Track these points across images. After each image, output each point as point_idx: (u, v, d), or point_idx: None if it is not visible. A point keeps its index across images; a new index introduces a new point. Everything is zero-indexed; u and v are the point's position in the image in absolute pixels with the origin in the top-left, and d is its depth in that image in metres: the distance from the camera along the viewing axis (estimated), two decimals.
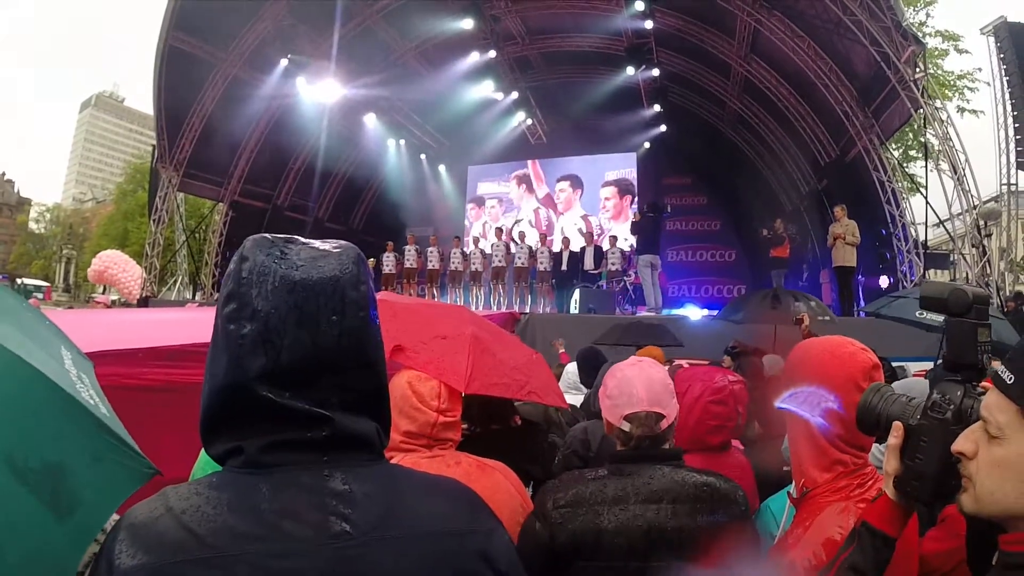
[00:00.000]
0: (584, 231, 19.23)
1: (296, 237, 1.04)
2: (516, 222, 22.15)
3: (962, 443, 0.98)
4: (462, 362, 2.32)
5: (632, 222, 15.00)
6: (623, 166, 21.37)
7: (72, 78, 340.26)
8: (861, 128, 13.90)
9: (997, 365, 0.95)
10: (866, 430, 1.22)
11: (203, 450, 2.19)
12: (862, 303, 12.58)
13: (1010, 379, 0.92)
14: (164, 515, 0.89)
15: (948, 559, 1.19)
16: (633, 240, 16.35)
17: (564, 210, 22.31)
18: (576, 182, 22.22)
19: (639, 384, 1.89)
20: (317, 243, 1.04)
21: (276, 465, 0.93)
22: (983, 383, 1.07)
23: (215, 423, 0.97)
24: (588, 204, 22.00)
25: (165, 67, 16.75)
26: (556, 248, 16.79)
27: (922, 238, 13.68)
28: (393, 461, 1.09)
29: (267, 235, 1.02)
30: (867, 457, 1.62)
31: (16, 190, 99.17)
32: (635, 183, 21.17)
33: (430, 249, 17.10)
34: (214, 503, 0.90)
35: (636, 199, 20.97)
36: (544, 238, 17.08)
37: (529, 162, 22.60)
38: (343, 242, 1.06)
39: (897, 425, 1.12)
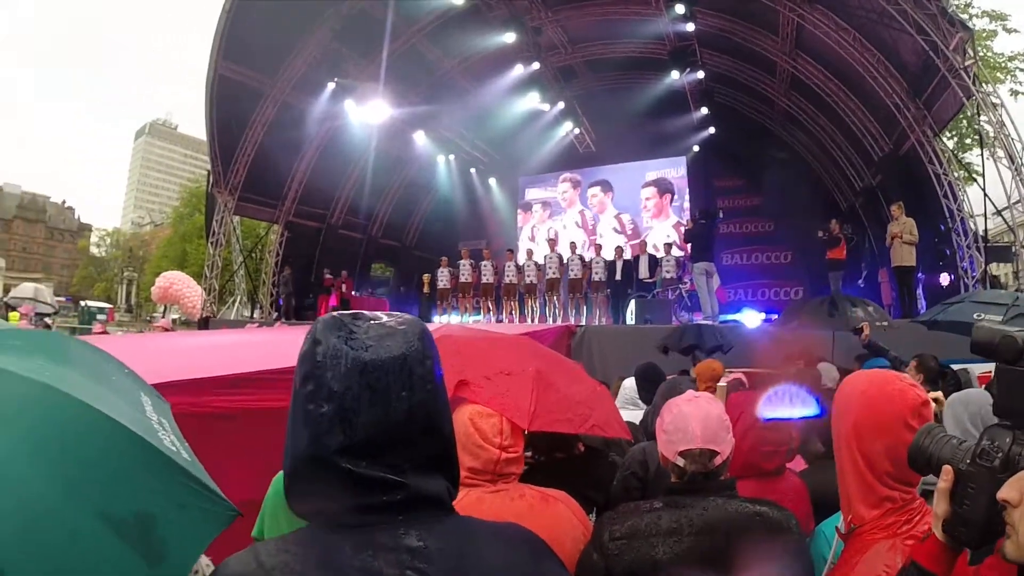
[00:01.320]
0: (617, 230, 19.73)
1: (363, 313, 1.12)
2: (562, 228, 22.24)
3: (1007, 491, 0.98)
4: (526, 399, 2.33)
5: (685, 229, 14.86)
6: (673, 171, 21.22)
7: (72, 78, 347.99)
8: (913, 120, 13.54)
9: None
10: (918, 471, 1.23)
11: (273, 481, 2.30)
12: (923, 303, 12.25)
13: None
14: (256, 570, 0.97)
15: None
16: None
17: (599, 212, 22.36)
18: (606, 186, 22.23)
19: (695, 421, 1.90)
20: (384, 318, 1.11)
21: (356, 526, 1.01)
22: None
23: (299, 486, 1.06)
24: (629, 206, 21.99)
25: (216, 96, 17.20)
26: (609, 257, 16.71)
27: (981, 230, 13.23)
28: (459, 496, 1.16)
29: (336, 315, 1.10)
30: (915, 492, 1.60)
31: (76, 216, 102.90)
32: (685, 185, 21.06)
33: (484, 263, 17.12)
34: (301, 560, 0.98)
35: (675, 196, 21.03)
36: (599, 248, 16.99)
37: (576, 171, 22.61)
38: (407, 317, 1.14)
39: (947, 469, 1.12)
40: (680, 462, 1.88)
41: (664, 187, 21.40)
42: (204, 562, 1.25)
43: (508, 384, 2.41)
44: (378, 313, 1.13)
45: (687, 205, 20.80)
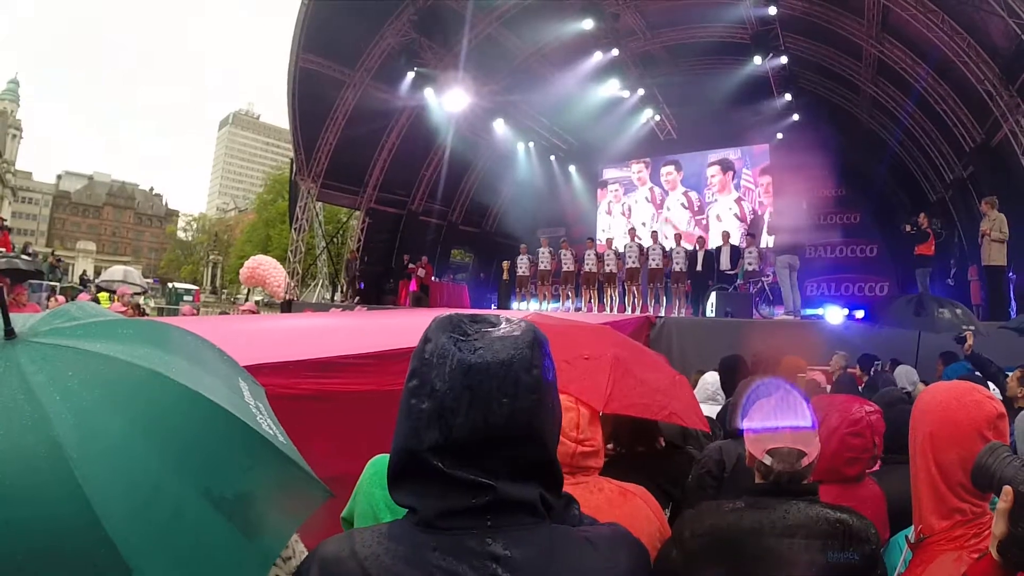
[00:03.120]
0: (684, 205, 20.13)
1: (482, 316, 1.14)
2: (634, 203, 22.41)
3: None
4: (602, 382, 2.37)
5: (769, 223, 14.52)
6: (758, 160, 20.92)
7: (73, 78, 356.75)
8: (1007, 108, 12.90)
9: None
10: (981, 488, 1.24)
11: (368, 464, 2.40)
12: (1014, 304, 11.70)
13: None
14: (349, 557, 1.04)
15: None
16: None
17: (670, 190, 22.30)
18: (678, 165, 22.16)
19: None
20: (502, 324, 1.13)
21: (446, 528, 1.04)
22: None
23: (397, 476, 1.10)
24: (696, 185, 22.01)
25: (297, 87, 17.66)
26: (690, 247, 16.53)
27: None
28: None
29: (453, 316, 1.13)
30: (986, 506, 1.60)
31: (164, 203, 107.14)
32: (742, 165, 20.93)
33: (563, 251, 17.13)
34: (392, 554, 1.03)
35: (735, 174, 20.93)
36: (679, 238, 16.81)
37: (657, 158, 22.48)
38: (524, 323, 1.14)
39: (1007, 490, 1.11)
40: (767, 460, 1.87)
41: (727, 166, 21.34)
42: (293, 539, 1.33)
43: (586, 367, 2.46)
44: (500, 316, 1.16)
45: (744, 183, 20.78)
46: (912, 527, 1.72)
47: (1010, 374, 4.85)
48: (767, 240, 16.65)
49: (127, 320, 1.33)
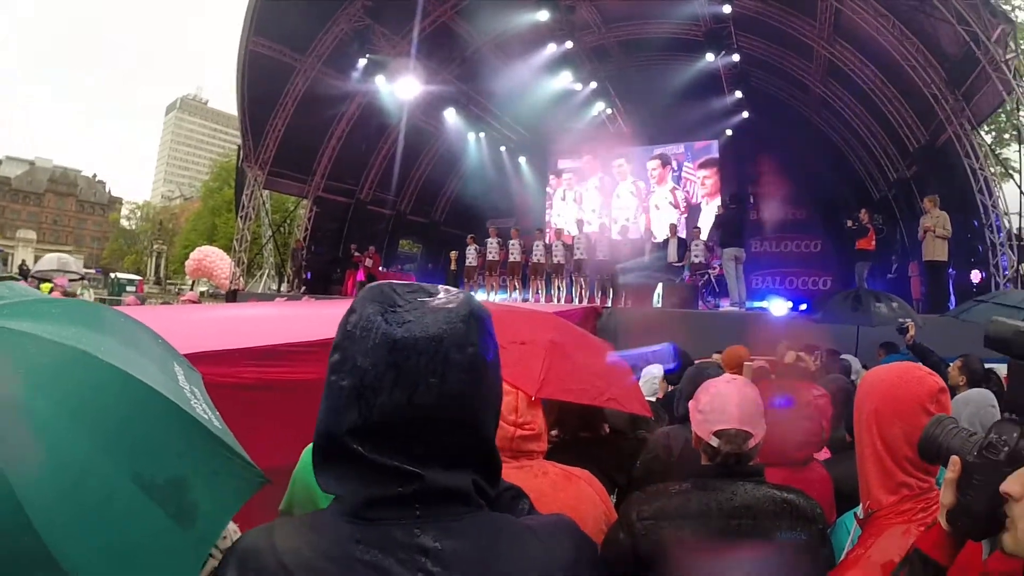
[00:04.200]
0: (633, 193, 20.66)
1: (419, 286, 1.04)
2: (585, 191, 22.74)
3: (1010, 484, 0.99)
4: (536, 367, 2.33)
5: (716, 215, 14.71)
6: (699, 154, 21.18)
7: (72, 78, 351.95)
8: (951, 112, 13.27)
9: None
10: (928, 460, 1.23)
11: (303, 453, 2.32)
12: (953, 299, 12.08)
13: None
14: (268, 551, 0.95)
15: None
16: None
17: (620, 180, 22.52)
18: (628, 158, 22.37)
19: (733, 401, 1.93)
20: (437, 293, 1.03)
21: (372, 519, 0.95)
22: None
23: (320, 461, 1.01)
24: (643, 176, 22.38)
25: (247, 71, 17.30)
26: (637, 239, 16.71)
27: (1016, 228, 12.99)
28: None
29: (385, 285, 1.03)
30: (932, 481, 1.63)
31: (108, 190, 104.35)
32: (683, 159, 21.26)
33: (512, 241, 17.11)
34: (313, 547, 0.94)
35: (673, 168, 21.34)
36: (626, 231, 16.95)
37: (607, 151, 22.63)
38: (461, 295, 1.04)
39: (955, 460, 1.12)
40: (714, 442, 1.90)
41: (666, 159, 21.63)
42: (232, 528, 1.26)
43: (521, 352, 2.42)
44: (438, 288, 1.05)
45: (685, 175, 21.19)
46: (859, 507, 1.73)
47: (951, 364, 4.98)
48: (705, 231, 16.88)
49: (57, 300, 1.32)
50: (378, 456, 0.94)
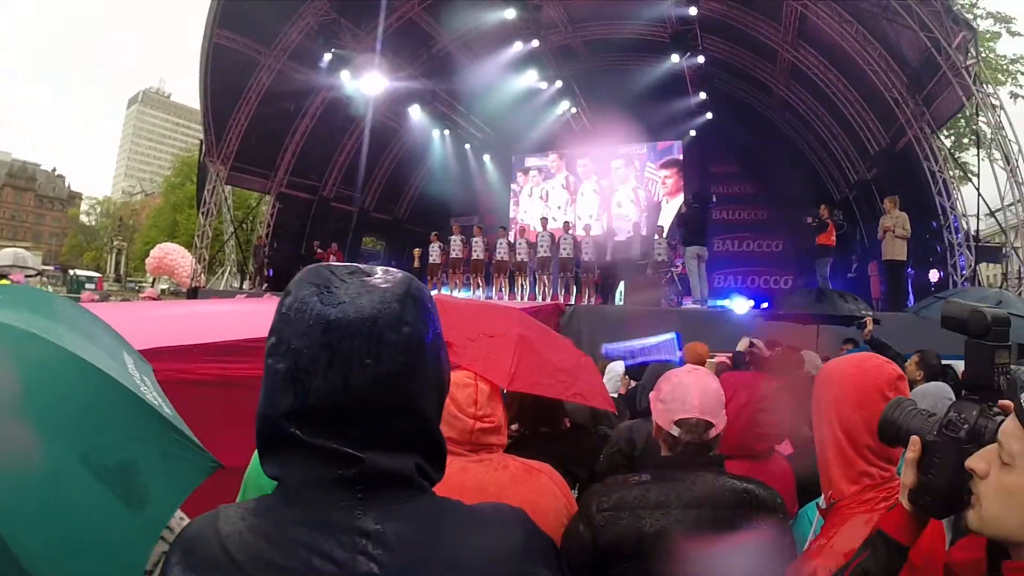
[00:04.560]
0: (596, 191, 21.04)
1: (356, 267, 1.02)
2: (551, 189, 22.76)
3: (976, 461, 1.00)
4: (507, 360, 2.33)
5: (678, 213, 14.82)
6: (661, 154, 21.33)
7: (72, 78, 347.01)
8: (912, 116, 13.56)
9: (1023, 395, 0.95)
10: (887, 442, 1.24)
11: (255, 454, 2.27)
12: (911, 298, 12.31)
13: None
14: (211, 536, 0.92)
15: (974, 569, 1.20)
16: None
17: (584, 179, 22.66)
18: (592, 157, 22.47)
19: (694, 391, 1.93)
20: (375, 273, 1.00)
21: (312, 501, 0.93)
22: (1000, 403, 1.08)
23: (261, 445, 0.98)
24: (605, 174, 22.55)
25: (210, 63, 17.07)
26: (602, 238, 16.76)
27: (974, 230, 13.30)
28: None
29: (321, 266, 1.01)
30: (894, 470, 1.64)
31: (67, 185, 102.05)
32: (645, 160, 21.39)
33: (475, 239, 17.06)
34: (254, 531, 0.92)
35: (641, 168, 21.46)
36: (589, 229, 17.03)
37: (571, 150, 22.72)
38: (399, 275, 1.02)
39: (915, 440, 1.13)
40: (675, 431, 1.90)
41: (629, 159, 21.87)
42: (178, 516, 1.23)
43: (490, 346, 2.41)
44: (374, 268, 1.02)
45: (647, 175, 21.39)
46: (821, 497, 1.74)
47: (909, 358, 5.06)
48: (666, 229, 17.03)
49: (7, 286, 1.39)
50: (317, 439, 0.92)
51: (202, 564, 0.90)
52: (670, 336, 5.94)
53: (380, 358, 0.93)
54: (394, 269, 1.04)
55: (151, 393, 1.11)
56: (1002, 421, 1.03)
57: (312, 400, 0.92)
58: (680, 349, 5.76)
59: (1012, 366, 1.15)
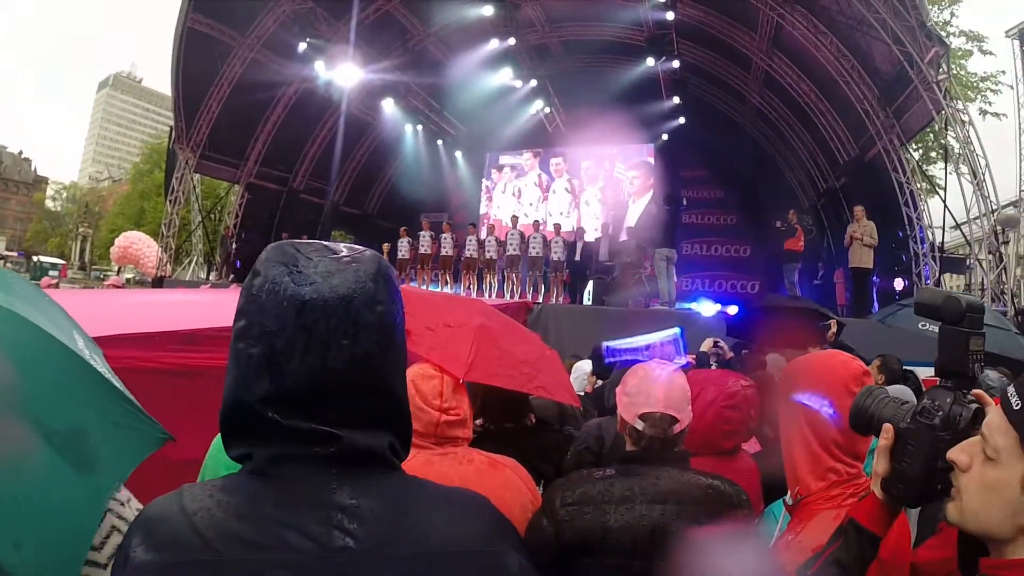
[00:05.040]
0: (568, 190, 21.28)
1: (319, 244, 1.00)
2: (524, 186, 22.79)
3: (958, 454, 0.99)
4: (464, 349, 2.30)
5: (648, 214, 14.87)
6: (641, 157, 21.41)
7: (72, 78, 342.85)
8: (882, 128, 13.76)
9: (1010, 388, 0.94)
10: (859, 431, 1.24)
11: (215, 439, 2.23)
12: (876, 305, 12.50)
13: (1017, 404, 0.91)
14: (177, 514, 0.89)
15: (941, 568, 1.21)
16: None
17: (556, 177, 22.74)
18: (565, 157, 22.70)
19: (659, 385, 1.93)
20: (341, 251, 0.99)
21: (284, 476, 0.92)
22: (974, 392, 1.09)
23: (229, 432, 0.97)
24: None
25: (183, 49, 16.88)
26: (570, 238, 16.82)
27: (939, 241, 13.55)
28: (407, 459, 1.05)
29: (287, 244, 0.99)
30: (860, 467, 1.65)
31: (33, 168, 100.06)
32: (651, 173, 21.29)
33: (444, 235, 16.99)
34: (224, 508, 0.90)
35: (609, 168, 21.63)
36: (558, 228, 17.05)
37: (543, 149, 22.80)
38: (367, 252, 1.01)
39: (887, 427, 1.13)
40: (639, 425, 1.90)
41: (600, 160, 22.01)
42: (125, 496, 1.20)
43: (449, 334, 2.39)
44: (340, 245, 1.00)
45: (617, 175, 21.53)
46: (788, 494, 1.76)
47: (870, 364, 5.13)
48: (626, 230, 17.14)
49: None
50: (293, 421, 0.91)
51: (167, 543, 0.87)
52: (674, 332, 5.86)
53: (357, 338, 0.93)
54: (359, 246, 1.02)
55: (101, 367, 1.11)
56: (977, 409, 1.05)
57: (290, 383, 0.91)
58: (685, 349, 5.73)
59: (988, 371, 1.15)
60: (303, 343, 0.91)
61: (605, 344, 5.21)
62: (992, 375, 3.80)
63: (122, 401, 1.07)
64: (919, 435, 1.08)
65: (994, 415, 0.95)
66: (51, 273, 38.70)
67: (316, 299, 0.91)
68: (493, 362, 2.40)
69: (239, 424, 0.95)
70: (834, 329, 5.97)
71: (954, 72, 14.09)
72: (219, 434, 1.94)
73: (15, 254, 51.09)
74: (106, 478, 1.00)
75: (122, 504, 1.15)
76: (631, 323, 8.94)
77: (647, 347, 5.62)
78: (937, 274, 13.14)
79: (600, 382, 5.30)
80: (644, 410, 1.90)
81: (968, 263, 13.97)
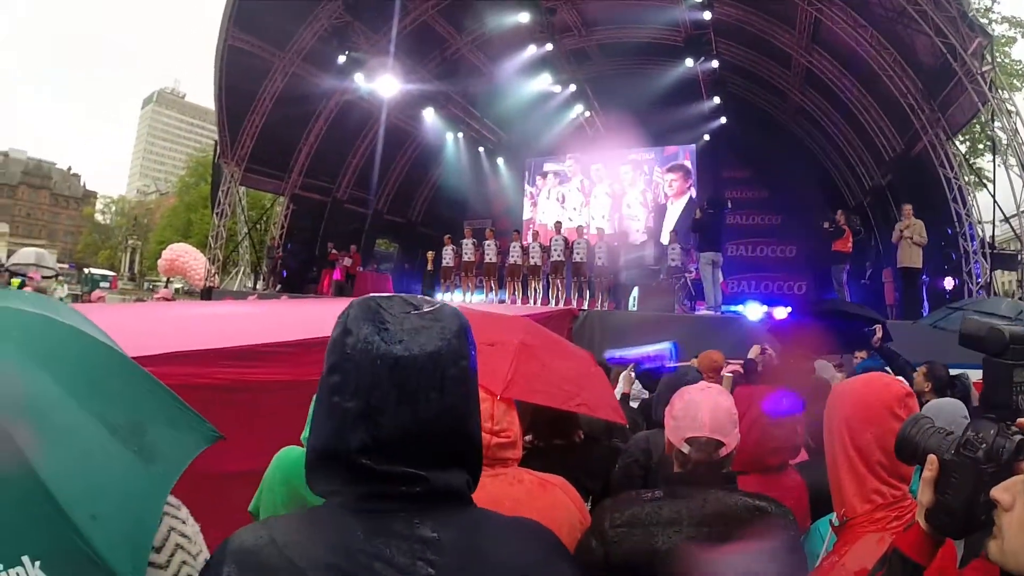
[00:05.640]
0: (609, 194, 21.25)
1: (399, 299, 1.08)
2: (567, 192, 22.70)
3: (1001, 493, 0.98)
4: (504, 367, 2.34)
5: (693, 219, 14.73)
6: (668, 159, 21.30)
7: (73, 78, 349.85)
8: (927, 122, 13.46)
9: None
10: (904, 460, 1.24)
11: (275, 457, 2.30)
12: (926, 305, 12.24)
13: None
14: (269, 545, 0.97)
15: None
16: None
17: (598, 182, 22.57)
18: (606, 162, 22.45)
19: (705, 410, 1.93)
20: (423, 308, 1.07)
21: (372, 511, 0.99)
22: (1019, 422, 1.08)
23: (319, 472, 1.05)
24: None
25: (225, 66, 17.18)
26: (615, 243, 16.72)
27: (988, 237, 13.20)
28: None
29: (371, 301, 1.07)
30: (906, 489, 1.65)
31: (82, 183, 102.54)
32: (694, 174, 21.09)
33: (487, 242, 17.03)
34: (314, 540, 0.98)
35: (649, 172, 21.41)
36: (602, 233, 16.97)
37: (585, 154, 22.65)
38: (447, 308, 1.10)
39: (932, 458, 1.13)
40: (685, 449, 1.90)
41: (638, 164, 21.88)
42: (176, 501, 1.27)
43: (490, 353, 2.41)
44: (418, 298, 1.10)
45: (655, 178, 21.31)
46: (834, 514, 1.76)
47: (917, 369, 5.03)
48: (668, 233, 16.97)
49: (20, 292, 1.52)
50: (386, 466, 0.99)
51: (263, 572, 0.96)
52: (667, 345, 5.99)
53: (444, 391, 1.02)
54: (436, 300, 1.12)
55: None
56: (1020, 440, 1.04)
57: (384, 434, 0.99)
58: (676, 358, 5.78)
59: None
60: (395, 398, 0.99)
61: (607, 352, 5.30)
62: None
63: (173, 400, 1.16)
64: (963, 468, 1.08)
65: None
66: (102, 285, 39.63)
67: (406, 356, 1.00)
68: (533, 379, 2.43)
69: (331, 469, 1.03)
70: (879, 334, 5.87)
71: (998, 61, 13.73)
72: (276, 458, 2.02)
73: (67, 266, 52.32)
74: (165, 468, 1.08)
75: (183, 522, 1.21)
76: (674, 329, 8.88)
77: (643, 356, 5.71)
78: (988, 272, 12.80)
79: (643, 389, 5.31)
80: (690, 434, 1.90)
81: (1020, 258, 13.59)
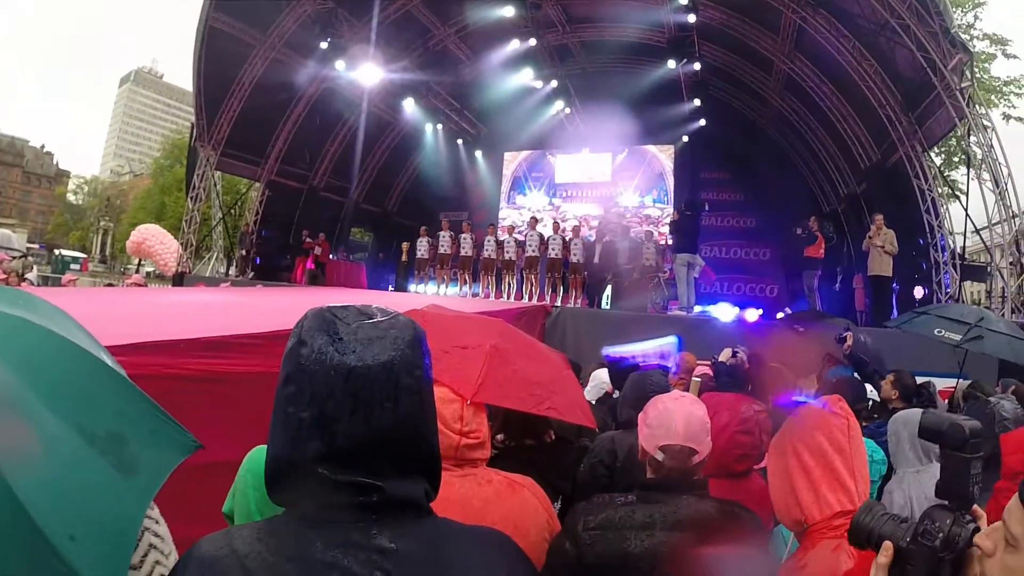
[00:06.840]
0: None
1: (354, 309, 1.09)
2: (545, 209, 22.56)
3: (983, 539, 1.01)
4: (475, 371, 2.34)
5: (671, 221, 14.80)
6: (661, 159, 21.38)
7: (72, 78, 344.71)
8: (904, 134, 13.63)
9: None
10: (858, 545, 1.25)
11: (245, 458, 2.28)
12: (895, 312, 12.42)
13: None
14: (229, 555, 0.99)
15: None
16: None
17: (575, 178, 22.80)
18: (585, 157, 22.69)
19: (679, 418, 1.98)
20: (377, 316, 1.08)
21: (330, 522, 1.00)
22: (973, 510, 1.11)
23: (276, 482, 1.06)
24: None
25: (205, 48, 16.97)
26: (591, 239, 16.78)
27: (959, 248, 13.42)
28: None
29: (326, 312, 1.08)
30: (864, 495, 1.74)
31: (55, 162, 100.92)
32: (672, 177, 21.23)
33: (463, 235, 16.99)
34: (273, 551, 0.99)
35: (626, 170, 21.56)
36: (577, 230, 17.00)
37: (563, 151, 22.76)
38: (402, 319, 1.11)
39: (887, 545, 1.15)
40: (660, 456, 1.96)
41: (615, 160, 22.09)
42: (156, 514, 1.25)
43: (462, 356, 2.43)
44: (372, 308, 1.11)
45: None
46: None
47: (885, 378, 5.12)
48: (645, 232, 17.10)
49: None
50: (341, 475, 1.01)
51: None
52: (672, 340, 5.92)
53: (398, 401, 1.03)
54: (389, 309, 1.13)
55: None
56: (974, 528, 1.07)
57: (339, 443, 1.00)
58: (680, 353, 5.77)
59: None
60: (350, 407, 1.00)
61: (604, 349, 5.27)
62: (1007, 407, 3.73)
63: (154, 409, 1.13)
64: (919, 556, 1.10)
65: (1012, 502, 0.98)
66: (72, 267, 38.97)
67: (359, 367, 1.01)
68: (504, 383, 2.43)
69: (288, 478, 1.04)
70: (849, 342, 5.97)
71: (977, 76, 13.91)
72: (247, 459, 2.01)
73: (37, 247, 51.53)
74: (147, 481, 1.06)
75: (156, 522, 1.21)
76: (647, 328, 8.92)
77: (643, 353, 5.68)
78: (958, 282, 13.02)
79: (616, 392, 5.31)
80: (664, 442, 1.96)
81: (988, 270, 13.83)
